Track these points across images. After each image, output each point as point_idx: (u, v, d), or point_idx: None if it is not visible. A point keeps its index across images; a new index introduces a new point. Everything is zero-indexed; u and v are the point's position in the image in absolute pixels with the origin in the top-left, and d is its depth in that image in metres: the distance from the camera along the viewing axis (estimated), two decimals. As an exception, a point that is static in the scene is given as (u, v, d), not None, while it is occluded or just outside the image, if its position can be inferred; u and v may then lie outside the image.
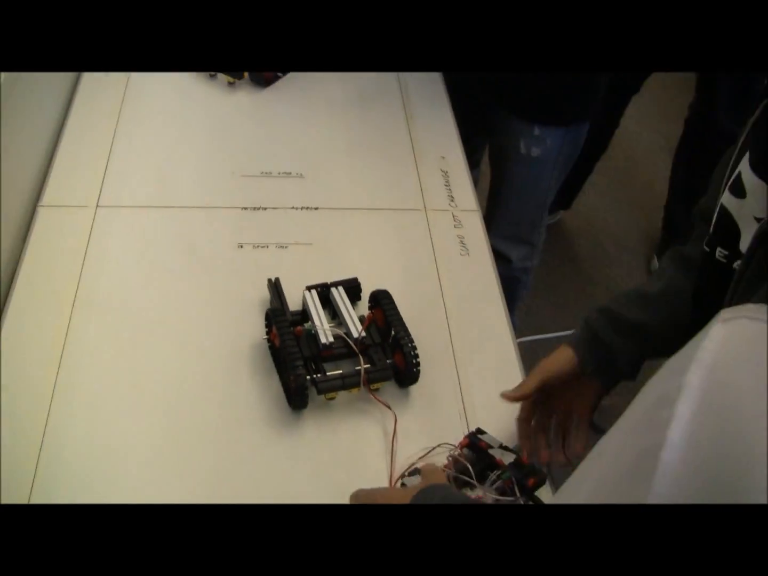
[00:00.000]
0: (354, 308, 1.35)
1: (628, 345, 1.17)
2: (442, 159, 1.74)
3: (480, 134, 2.16)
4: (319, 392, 1.22)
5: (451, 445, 1.19)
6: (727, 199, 0.94)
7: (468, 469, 1.11)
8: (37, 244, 1.42)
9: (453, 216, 1.61)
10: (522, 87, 1.82)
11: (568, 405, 1.23)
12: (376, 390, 1.26)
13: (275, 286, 1.37)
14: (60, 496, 1.11)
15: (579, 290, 3.13)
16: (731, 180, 0.92)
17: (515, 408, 1.25)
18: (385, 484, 1.16)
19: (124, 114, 1.73)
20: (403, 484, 1.10)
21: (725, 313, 0.53)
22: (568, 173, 2.08)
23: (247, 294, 1.40)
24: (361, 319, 1.32)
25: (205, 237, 1.49)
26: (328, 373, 1.24)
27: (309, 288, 1.36)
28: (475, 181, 2.34)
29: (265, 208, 1.56)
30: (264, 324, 1.32)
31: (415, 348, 1.25)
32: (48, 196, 1.52)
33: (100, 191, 1.54)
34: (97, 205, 1.51)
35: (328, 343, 1.27)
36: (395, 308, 1.31)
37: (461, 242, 1.55)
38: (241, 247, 1.48)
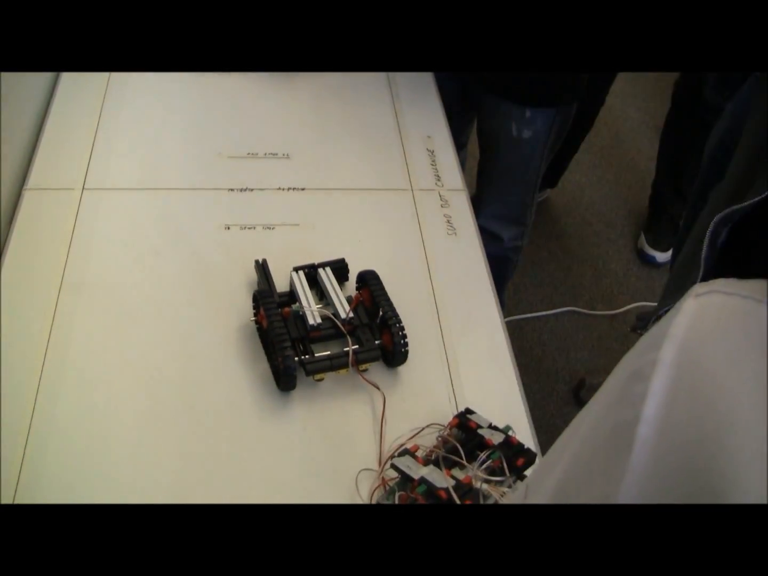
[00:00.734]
0: (341, 289, 1.35)
1: None
2: (429, 139, 1.74)
3: (467, 115, 2.15)
4: (308, 374, 1.22)
5: (440, 425, 1.19)
6: None
7: (457, 449, 1.11)
8: (23, 227, 1.42)
9: (440, 196, 1.61)
10: (512, 71, 1.82)
11: None
12: (365, 371, 1.26)
13: (262, 268, 1.37)
14: (48, 485, 1.11)
15: (566, 268, 3.13)
16: None
17: (504, 387, 1.26)
18: (374, 464, 1.17)
19: (109, 96, 1.72)
20: (393, 465, 1.10)
21: (698, 288, 0.53)
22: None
23: (234, 276, 1.40)
24: (349, 299, 1.32)
25: (192, 219, 1.49)
26: (316, 355, 1.24)
27: (296, 269, 1.36)
28: (463, 162, 2.34)
29: (252, 189, 1.56)
30: (251, 306, 1.32)
31: (403, 328, 1.25)
32: (34, 179, 1.51)
33: (86, 174, 1.53)
34: (83, 188, 1.50)
35: (315, 325, 1.27)
36: (383, 288, 1.31)
37: (448, 222, 1.55)
38: (228, 228, 1.48)
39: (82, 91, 1.72)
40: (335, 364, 1.23)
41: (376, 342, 1.27)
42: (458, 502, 1.02)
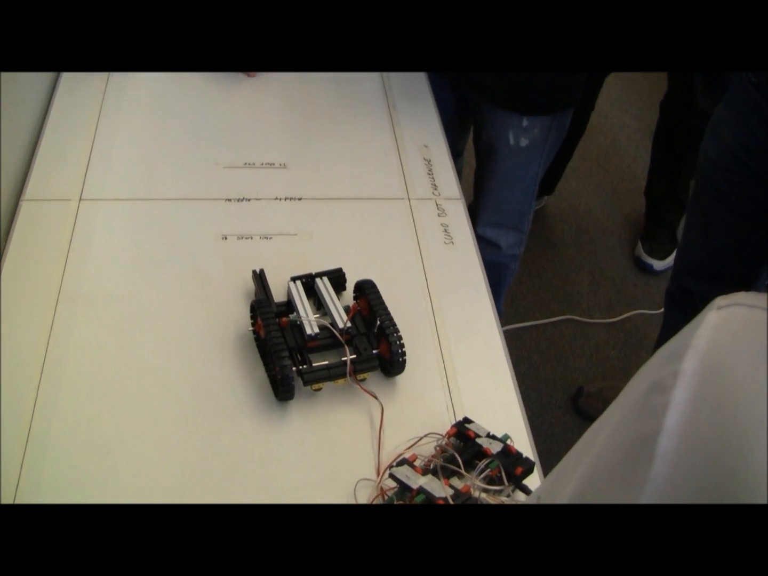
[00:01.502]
0: (339, 298, 1.35)
1: None
2: (425, 148, 1.74)
3: (463, 124, 2.16)
4: (305, 383, 1.22)
5: (438, 434, 1.19)
6: None
7: (456, 458, 1.11)
8: (21, 238, 1.42)
9: (436, 204, 1.61)
10: (508, 80, 1.82)
11: None
12: (363, 380, 1.26)
13: (260, 278, 1.37)
14: (46, 491, 1.11)
15: (563, 277, 3.13)
16: None
17: (502, 396, 1.26)
18: (372, 474, 1.16)
19: (105, 106, 1.72)
20: (391, 475, 1.10)
21: (720, 300, 0.53)
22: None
23: (231, 285, 1.40)
24: (346, 309, 1.32)
25: (189, 229, 1.49)
26: (314, 364, 1.24)
27: (294, 279, 1.36)
28: (460, 171, 2.35)
29: (249, 200, 1.56)
30: (249, 315, 1.32)
31: (400, 338, 1.25)
32: (31, 190, 1.51)
33: (83, 184, 1.53)
34: (81, 199, 1.50)
35: (313, 334, 1.27)
36: (380, 298, 1.31)
37: (445, 231, 1.55)
38: (225, 238, 1.48)
39: (78, 102, 1.72)
40: (333, 373, 1.23)
41: (374, 351, 1.27)
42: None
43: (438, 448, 1.16)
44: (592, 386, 2.67)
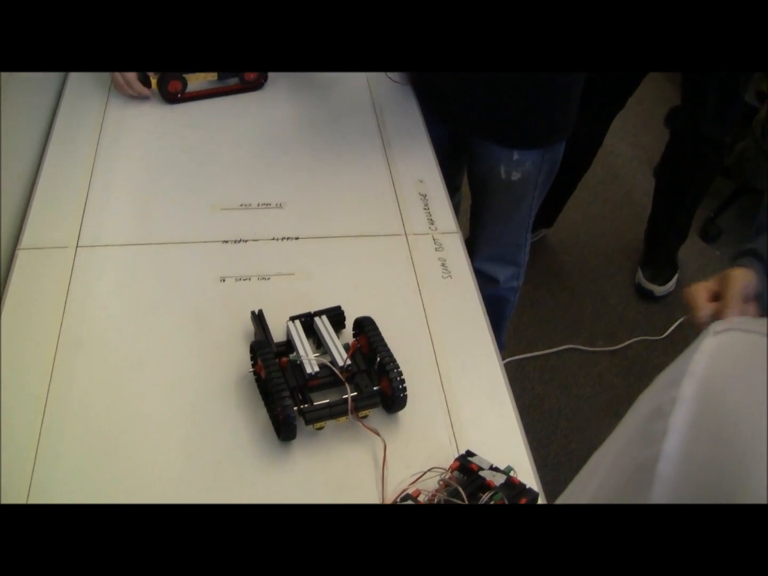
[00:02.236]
0: (338, 336, 1.35)
1: None
2: (420, 183, 1.75)
3: (459, 159, 2.16)
4: (307, 422, 1.21)
5: (441, 468, 1.19)
6: None
7: (459, 492, 1.11)
8: (19, 287, 1.42)
9: (433, 239, 1.61)
10: (497, 114, 1.83)
11: None
12: (364, 417, 1.26)
13: (259, 318, 1.37)
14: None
15: (565, 306, 3.13)
16: None
17: (505, 428, 1.26)
18: (377, 511, 1.16)
19: (100, 153, 1.73)
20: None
21: (716, 326, 0.53)
22: (550, 192, 2.09)
23: (231, 327, 1.40)
24: (346, 346, 1.32)
25: (187, 272, 1.49)
26: (315, 403, 1.24)
27: (292, 318, 1.36)
28: (457, 205, 2.35)
29: (246, 241, 1.56)
30: (249, 356, 1.32)
31: (401, 373, 1.25)
32: (27, 238, 1.52)
33: (80, 231, 1.54)
34: (77, 245, 1.51)
35: (313, 373, 1.27)
36: (379, 334, 1.31)
37: (443, 265, 1.56)
38: (223, 280, 1.48)
39: (73, 149, 1.73)
40: (334, 411, 1.23)
41: (375, 388, 1.27)
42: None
43: (441, 483, 1.15)
44: (612, 383, 2.66)
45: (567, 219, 3.43)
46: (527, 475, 1.21)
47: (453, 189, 2.21)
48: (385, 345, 1.29)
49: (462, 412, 1.31)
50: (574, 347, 2.95)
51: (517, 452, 1.26)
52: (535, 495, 1.13)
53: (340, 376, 1.27)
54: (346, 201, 1.69)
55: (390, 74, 2.03)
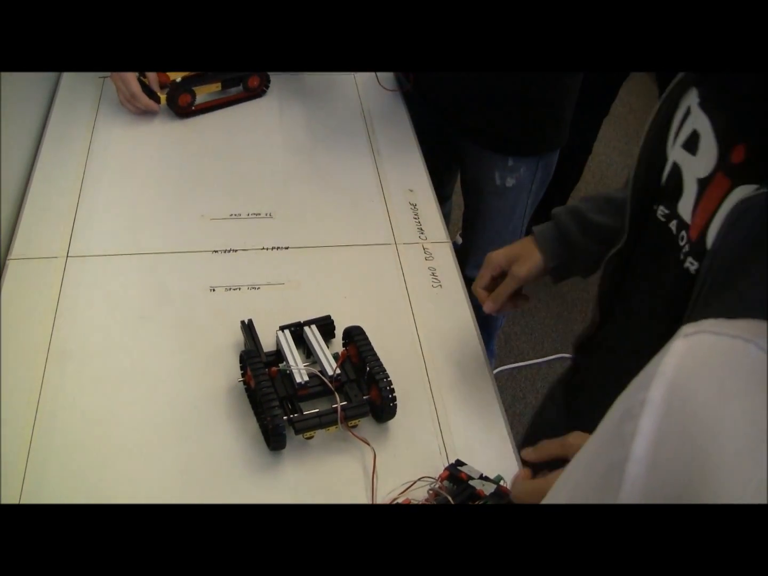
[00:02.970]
0: (328, 346, 1.35)
1: (592, 246, 1.28)
2: (410, 192, 1.75)
3: (449, 168, 2.17)
4: (297, 432, 1.21)
5: (431, 478, 1.19)
6: (679, 155, 0.97)
7: (449, 501, 1.11)
8: (8, 298, 1.42)
9: (423, 248, 1.61)
10: (493, 121, 1.83)
11: None
12: (354, 427, 1.26)
13: (248, 328, 1.37)
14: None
15: (556, 315, 3.14)
16: (687, 136, 0.94)
17: (495, 437, 1.26)
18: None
19: (90, 163, 1.73)
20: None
21: (687, 328, 0.54)
22: (543, 201, 2.09)
23: (221, 337, 1.40)
24: (336, 356, 1.32)
25: (177, 282, 1.49)
26: (305, 412, 1.24)
27: (282, 328, 1.36)
28: (448, 214, 2.36)
29: (236, 250, 1.57)
30: (239, 366, 1.32)
31: (390, 383, 1.25)
32: (17, 248, 1.52)
33: (70, 241, 1.54)
34: (68, 256, 1.51)
35: (303, 382, 1.27)
36: (369, 344, 1.31)
37: (433, 274, 1.56)
38: (213, 290, 1.48)
39: (63, 158, 1.73)
40: (324, 421, 1.23)
41: (365, 397, 1.27)
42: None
43: (431, 492, 1.16)
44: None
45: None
46: (517, 484, 1.21)
47: (444, 198, 2.22)
48: (375, 354, 1.29)
49: (452, 422, 1.31)
50: (565, 356, 2.95)
51: (507, 461, 1.26)
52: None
53: (330, 385, 1.27)
54: (336, 210, 1.69)
55: (381, 82, 2.04)
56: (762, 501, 0.44)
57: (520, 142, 1.87)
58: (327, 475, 1.22)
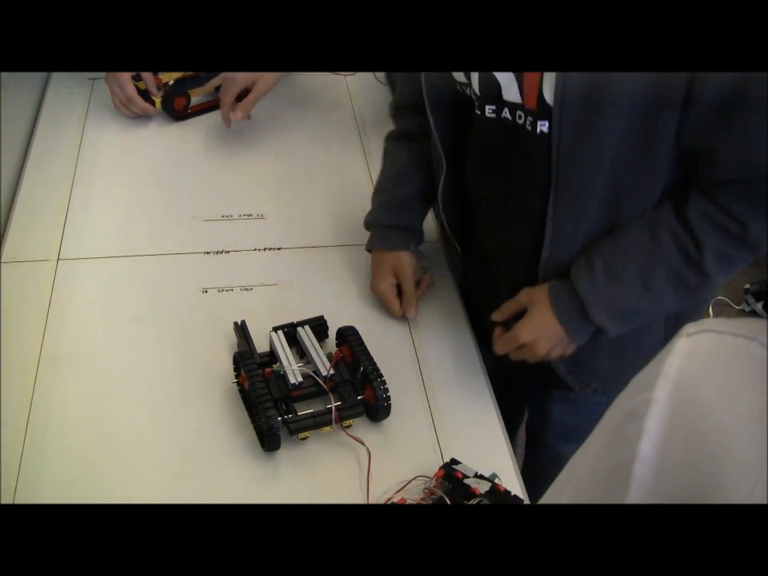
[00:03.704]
0: (322, 346, 1.35)
1: (415, 216, 1.49)
2: (402, 192, 1.74)
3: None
4: (291, 433, 1.21)
5: (426, 477, 1.19)
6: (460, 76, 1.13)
7: (444, 500, 1.11)
8: None
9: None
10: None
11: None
12: (348, 427, 1.26)
13: (241, 329, 1.36)
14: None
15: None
16: None
17: (489, 435, 1.26)
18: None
19: (80, 165, 1.72)
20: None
21: (689, 327, 0.54)
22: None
23: (214, 338, 1.39)
24: (329, 356, 1.32)
25: (169, 284, 1.49)
26: (299, 413, 1.24)
27: (275, 329, 1.36)
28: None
29: (228, 252, 1.56)
30: (233, 368, 1.32)
31: (384, 383, 1.25)
32: (7, 252, 1.51)
33: (61, 244, 1.53)
34: (59, 259, 1.50)
35: (297, 383, 1.26)
36: (362, 344, 1.31)
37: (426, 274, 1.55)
38: (206, 291, 1.48)
39: (53, 161, 1.72)
40: (318, 421, 1.22)
41: (359, 397, 1.27)
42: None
43: (426, 491, 1.15)
44: None
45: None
46: (512, 482, 1.21)
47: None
48: (369, 354, 1.29)
49: (446, 420, 1.31)
50: (558, 355, 2.94)
51: (502, 460, 1.26)
52: (520, 502, 1.13)
53: (324, 385, 1.26)
54: (328, 211, 1.69)
55: (377, 76, 2.04)
56: None
57: None
58: (322, 476, 1.22)
